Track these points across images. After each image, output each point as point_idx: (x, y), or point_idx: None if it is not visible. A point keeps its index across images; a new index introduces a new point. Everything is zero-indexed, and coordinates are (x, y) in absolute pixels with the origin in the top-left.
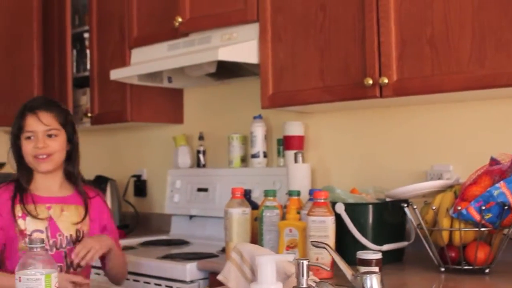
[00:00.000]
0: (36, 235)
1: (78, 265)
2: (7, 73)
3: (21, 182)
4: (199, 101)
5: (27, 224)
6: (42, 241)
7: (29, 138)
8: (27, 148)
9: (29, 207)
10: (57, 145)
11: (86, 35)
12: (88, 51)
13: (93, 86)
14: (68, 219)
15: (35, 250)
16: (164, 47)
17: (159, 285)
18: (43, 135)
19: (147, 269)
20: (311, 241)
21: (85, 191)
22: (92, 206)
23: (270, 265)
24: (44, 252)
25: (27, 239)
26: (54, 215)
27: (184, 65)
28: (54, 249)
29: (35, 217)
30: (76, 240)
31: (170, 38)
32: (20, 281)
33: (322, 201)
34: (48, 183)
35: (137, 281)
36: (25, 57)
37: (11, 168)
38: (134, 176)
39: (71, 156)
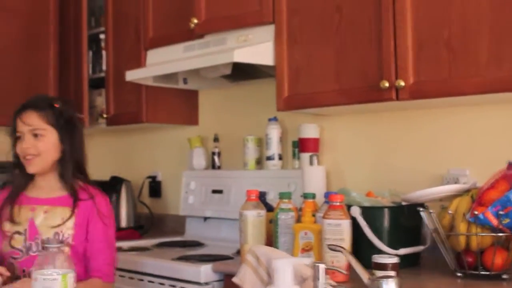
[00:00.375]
0: (16, 237)
1: None
2: (24, 74)
3: (15, 184)
4: (214, 103)
5: (10, 226)
6: (59, 241)
7: (19, 138)
8: (17, 149)
9: (14, 208)
10: (43, 145)
11: (102, 36)
12: (104, 52)
13: (108, 87)
14: (48, 221)
15: (51, 250)
16: (180, 48)
17: (174, 286)
18: (29, 135)
19: (161, 270)
20: (328, 245)
21: (79, 193)
22: (80, 209)
23: (287, 268)
24: (60, 252)
25: (8, 241)
26: (35, 217)
27: (199, 66)
28: (30, 252)
29: (13, 219)
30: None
31: (186, 39)
32: (36, 280)
33: (338, 204)
34: (41, 183)
35: (152, 282)
36: (42, 58)
37: None
38: (149, 177)
39: (65, 157)
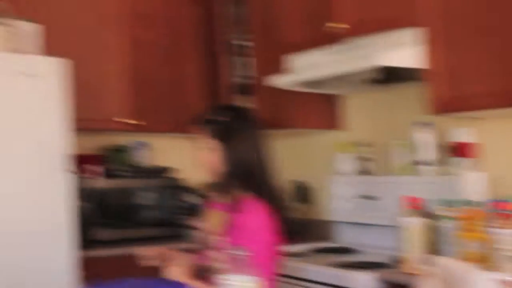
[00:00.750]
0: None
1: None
2: (173, 83)
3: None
4: (361, 107)
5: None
6: (246, 249)
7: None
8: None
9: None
10: (209, 157)
11: (243, 43)
12: (248, 59)
13: (254, 93)
14: (213, 225)
15: (238, 256)
16: (326, 53)
17: None
18: (199, 147)
19: (319, 277)
20: None
21: (237, 203)
22: (237, 218)
23: (488, 283)
24: (247, 259)
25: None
26: (209, 220)
27: (346, 71)
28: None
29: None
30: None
31: (331, 43)
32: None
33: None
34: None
35: None
36: (188, 67)
37: None
38: (295, 182)
39: (228, 168)
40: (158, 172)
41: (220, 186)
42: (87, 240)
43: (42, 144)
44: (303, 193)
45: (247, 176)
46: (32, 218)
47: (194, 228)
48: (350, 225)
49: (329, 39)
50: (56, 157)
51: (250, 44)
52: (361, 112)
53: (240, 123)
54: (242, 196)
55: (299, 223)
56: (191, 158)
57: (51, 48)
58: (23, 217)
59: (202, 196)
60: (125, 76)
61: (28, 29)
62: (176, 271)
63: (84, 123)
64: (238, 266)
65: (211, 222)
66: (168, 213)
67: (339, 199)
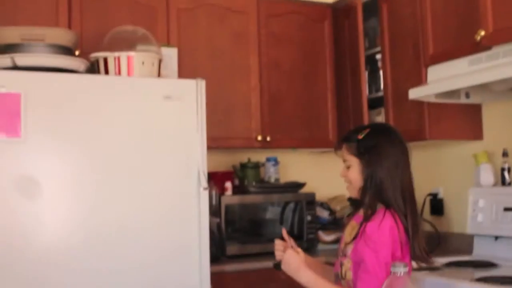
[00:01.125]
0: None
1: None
2: (307, 100)
3: None
4: (500, 116)
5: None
6: (406, 265)
7: None
8: None
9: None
10: (351, 175)
11: (378, 56)
12: (380, 72)
13: (387, 106)
14: (347, 236)
15: (398, 274)
16: (465, 62)
17: None
18: (343, 165)
19: None
20: None
21: (370, 213)
22: (364, 227)
23: None
24: (407, 277)
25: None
26: (345, 230)
27: (489, 80)
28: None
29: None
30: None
31: (471, 53)
32: None
33: None
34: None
35: None
36: (320, 82)
37: None
38: (430, 194)
39: (366, 184)
40: (287, 187)
41: (357, 201)
42: (216, 255)
43: (181, 162)
44: (437, 205)
45: (381, 191)
46: (169, 234)
47: (324, 242)
48: (490, 238)
49: (473, 48)
50: (194, 175)
51: (381, 57)
52: (500, 121)
53: (373, 142)
54: (374, 209)
55: (432, 238)
56: (318, 173)
57: (185, 70)
58: (161, 233)
59: (331, 210)
60: (257, 94)
61: (166, 53)
62: (295, 256)
63: (217, 142)
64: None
65: (346, 234)
66: (298, 228)
67: (478, 211)
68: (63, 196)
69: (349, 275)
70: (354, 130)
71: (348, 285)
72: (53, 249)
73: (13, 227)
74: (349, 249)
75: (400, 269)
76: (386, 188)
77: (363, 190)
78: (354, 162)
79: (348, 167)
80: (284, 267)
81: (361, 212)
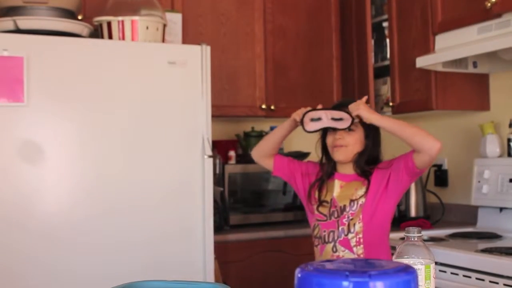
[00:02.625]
0: (325, 204)
1: None
2: (311, 68)
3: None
4: (508, 86)
5: (319, 196)
6: (420, 230)
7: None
8: (328, 139)
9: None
10: (352, 139)
11: (384, 24)
12: (387, 40)
13: (393, 75)
14: (344, 193)
15: (412, 239)
16: (474, 30)
17: (482, 280)
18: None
19: (466, 263)
20: None
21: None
22: (372, 180)
23: None
24: (421, 243)
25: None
26: (334, 190)
27: (498, 48)
28: (332, 218)
29: (321, 192)
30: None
31: (480, 20)
32: None
33: None
34: (339, 169)
35: (455, 274)
36: (326, 51)
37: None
38: (434, 165)
39: (365, 151)
40: (292, 156)
41: (356, 165)
42: (219, 224)
43: (185, 129)
44: (441, 176)
45: (373, 157)
46: (173, 202)
47: None
48: (495, 210)
49: (483, 15)
50: (198, 142)
51: (388, 25)
52: (507, 92)
53: None
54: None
55: (436, 209)
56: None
57: (189, 36)
58: (165, 201)
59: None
60: (261, 62)
61: (170, 19)
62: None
63: (221, 110)
64: (412, 249)
65: (340, 193)
66: (297, 198)
67: (483, 182)
68: (66, 161)
69: (359, 227)
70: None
71: (356, 239)
72: (56, 214)
73: (16, 192)
74: (357, 205)
75: (414, 234)
76: (377, 156)
77: (361, 156)
78: (359, 129)
79: (348, 130)
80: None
81: (347, 172)
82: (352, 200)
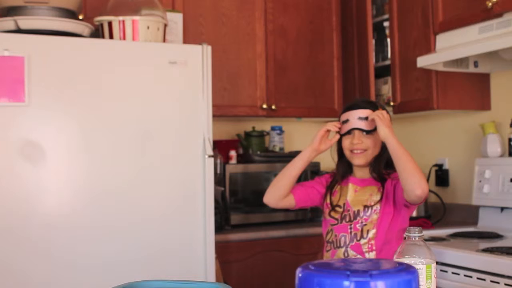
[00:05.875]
0: (337, 209)
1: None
2: (312, 68)
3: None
4: (509, 86)
5: (332, 200)
6: (421, 230)
7: (348, 133)
8: (345, 142)
9: (336, 188)
10: (371, 142)
11: (385, 24)
12: (388, 40)
13: (394, 75)
14: (358, 197)
15: (413, 239)
16: (475, 30)
17: (483, 279)
18: (360, 132)
19: (467, 262)
20: None
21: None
22: (386, 186)
23: None
24: (422, 242)
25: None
26: (348, 195)
27: (499, 48)
28: (344, 221)
29: (334, 196)
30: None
31: (481, 20)
32: None
33: None
34: (356, 172)
35: (456, 274)
36: (326, 50)
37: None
38: (435, 165)
39: (382, 154)
40: (292, 156)
41: (372, 168)
42: (220, 224)
43: (186, 129)
44: (442, 176)
45: (387, 160)
46: (174, 202)
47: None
48: (496, 210)
49: (484, 15)
50: (199, 142)
51: (389, 24)
52: (508, 91)
53: (389, 115)
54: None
55: (437, 208)
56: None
57: (190, 36)
58: (166, 200)
59: None
60: (262, 62)
61: (171, 19)
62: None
63: (221, 110)
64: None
65: (355, 197)
66: None
67: (484, 182)
68: (67, 161)
69: (372, 233)
70: (373, 101)
71: (368, 245)
72: (56, 214)
73: (17, 192)
74: (371, 211)
75: (415, 234)
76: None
77: (378, 159)
78: (375, 132)
79: (366, 133)
80: (381, 117)
81: (362, 176)
82: (366, 206)
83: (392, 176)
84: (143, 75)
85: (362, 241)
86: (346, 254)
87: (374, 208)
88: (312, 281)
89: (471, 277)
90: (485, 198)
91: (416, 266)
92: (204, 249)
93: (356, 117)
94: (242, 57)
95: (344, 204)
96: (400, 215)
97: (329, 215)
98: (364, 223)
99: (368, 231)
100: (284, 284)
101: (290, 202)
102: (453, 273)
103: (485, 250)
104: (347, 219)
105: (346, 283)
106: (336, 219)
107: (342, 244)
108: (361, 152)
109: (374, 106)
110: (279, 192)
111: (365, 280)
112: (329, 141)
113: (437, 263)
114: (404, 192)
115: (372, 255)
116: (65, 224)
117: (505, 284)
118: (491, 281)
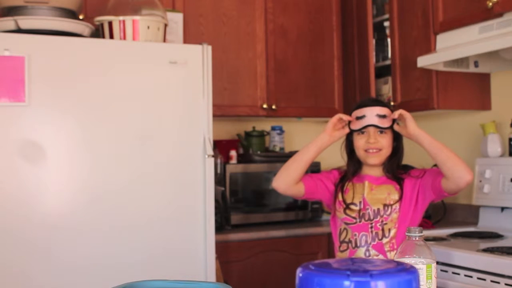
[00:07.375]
0: (352, 207)
1: None
2: (312, 68)
3: (349, 169)
4: (509, 86)
5: (346, 198)
6: (421, 230)
7: (362, 133)
8: (360, 142)
9: (348, 186)
10: (386, 142)
11: (385, 23)
12: (388, 40)
13: (395, 75)
14: (375, 196)
15: (413, 238)
16: (475, 29)
17: (483, 279)
18: (375, 132)
19: (467, 262)
20: None
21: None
22: (405, 184)
23: None
24: (423, 242)
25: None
26: (365, 193)
27: (499, 48)
28: (363, 220)
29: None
30: (381, 213)
31: (481, 20)
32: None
33: None
34: (367, 171)
35: (457, 274)
36: (327, 50)
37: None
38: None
39: (394, 153)
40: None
41: (385, 168)
42: (220, 224)
43: (186, 129)
44: None
45: (398, 160)
46: (174, 202)
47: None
48: (496, 210)
49: (484, 15)
50: (199, 142)
51: (389, 24)
52: (509, 91)
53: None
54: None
55: (438, 208)
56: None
57: (190, 35)
58: (166, 200)
59: None
60: (263, 62)
61: (172, 19)
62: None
63: (222, 110)
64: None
65: (372, 196)
66: None
67: (484, 182)
68: (67, 161)
69: (393, 232)
70: (385, 102)
71: (390, 244)
72: (56, 214)
73: (17, 192)
74: (391, 209)
75: (416, 234)
76: (401, 158)
77: (391, 158)
78: (389, 131)
79: (381, 133)
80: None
81: (376, 174)
82: (386, 205)
83: (412, 174)
84: (144, 75)
85: (384, 240)
86: (367, 254)
87: (394, 207)
88: (312, 281)
89: (471, 277)
90: (485, 198)
91: (417, 266)
92: (204, 249)
93: (374, 114)
94: (242, 57)
95: (360, 202)
96: (418, 213)
97: (345, 213)
98: (384, 222)
99: (389, 230)
100: (284, 284)
101: (299, 189)
102: (453, 273)
103: (486, 250)
104: (366, 218)
105: (347, 283)
106: (354, 217)
107: (363, 244)
108: (376, 152)
109: (389, 106)
110: (291, 177)
111: (366, 280)
112: (343, 129)
113: (437, 263)
114: (450, 180)
115: (393, 254)
116: (65, 224)
117: (506, 284)
118: (492, 281)
